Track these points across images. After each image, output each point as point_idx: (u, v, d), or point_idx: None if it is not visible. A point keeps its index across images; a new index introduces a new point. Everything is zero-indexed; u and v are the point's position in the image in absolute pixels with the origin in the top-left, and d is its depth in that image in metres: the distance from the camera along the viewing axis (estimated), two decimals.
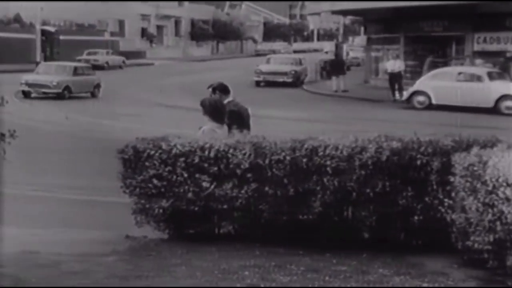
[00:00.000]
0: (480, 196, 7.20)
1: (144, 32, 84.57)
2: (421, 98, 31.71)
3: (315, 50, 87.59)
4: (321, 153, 8.34)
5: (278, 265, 7.65)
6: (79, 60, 52.82)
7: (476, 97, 29.92)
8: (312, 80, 48.58)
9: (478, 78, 30.97)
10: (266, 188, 8.50)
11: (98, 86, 37.79)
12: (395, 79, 36.18)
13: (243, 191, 8.55)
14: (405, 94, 32.83)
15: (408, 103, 32.02)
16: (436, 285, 7.17)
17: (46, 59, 57.57)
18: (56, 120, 27.21)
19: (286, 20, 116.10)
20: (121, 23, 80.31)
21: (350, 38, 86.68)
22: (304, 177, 8.41)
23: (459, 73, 31.80)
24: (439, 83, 31.32)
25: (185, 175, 8.71)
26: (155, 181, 8.80)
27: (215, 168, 8.64)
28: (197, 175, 8.69)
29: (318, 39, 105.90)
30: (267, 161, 8.48)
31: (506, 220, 6.88)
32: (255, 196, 8.56)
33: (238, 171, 8.56)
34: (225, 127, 9.69)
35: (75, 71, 37.61)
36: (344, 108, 33.43)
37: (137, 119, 25.52)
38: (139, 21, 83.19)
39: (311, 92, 42.66)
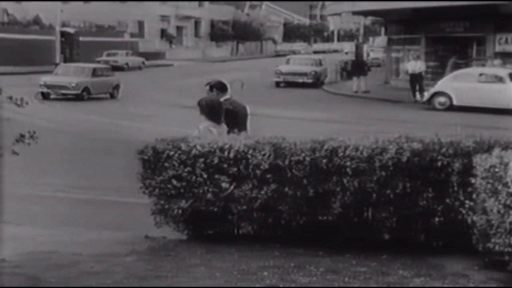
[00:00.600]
0: (501, 198, 7.15)
1: (163, 33, 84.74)
2: (442, 99, 31.56)
3: (335, 51, 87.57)
4: (341, 154, 8.31)
5: (298, 265, 7.62)
6: (99, 61, 52.97)
7: (497, 98, 29.73)
8: (332, 81, 48.50)
9: (500, 79, 30.79)
10: (286, 189, 8.48)
11: (117, 87, 37.79)
12: (416, 80, 36.04)
13: (262, 192, 8.53)
14: (426, 95, 32.70)
15: (429, 104, 31.89)
16: (457, 286, 7.12)
17: (65, 60, 57.78)
18: (74, 121, 27.30)
19: (306, 21, 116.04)
20: (140, 24, 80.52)
21: (371, 39, 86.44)
22: (324, 178, 8.38)
23: (481, 74, 31.64)
24: (460, 84, 31.16)
25: (205, 175, 8.70)
26: (174, 181, 8.80)
27: (235, 169, 8.63)
28: (216, 176, 8.68)
29: (338, 40, 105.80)
30: (286, 162, 8.46)
31: None
32: (274, 197, 8.54)
33: (258, 172, 8.54)
34: (224, 126, 9.74)
35: (94, 73, 37.66)
36: (364, 108, 33.34)
37: (155, 120, 25.56)
38: (158, 22, 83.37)
39: (331, 92, 42.59)
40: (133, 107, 31.77)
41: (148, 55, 68.76)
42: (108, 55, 60.64)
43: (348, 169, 8.26)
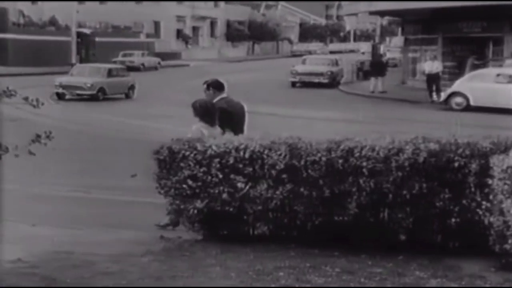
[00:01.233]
0: None
1: (179, 34, 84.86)
2: (459, 100, 31.43)
3: (352, 51, 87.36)
4: (357, 154, 8.28)
5: (313, 266, 7.61)
6: (115, 62, 53.04)
7: None
8: (348, 81, 48.41)
9: None
10: (301, 189, 8.46)
11: (132, 87, 37.78)
12: (432, 80, 35.89)
13: (278, 192, 8.51)
14: (443, 95, 32.56)
15: (445, 104, 31.76)
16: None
17: (81, 61, 57.96)
18: (89, 121, 27.36)
19: (323, 21, 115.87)
20: (156, 25, 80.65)
21: (387, 39, 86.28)
22: (340, 178, 8.35)
23: (498, 75, 31.45)
24: (477, 84, 31.01)
25: (220, 176, 8.70)
26: (190, 181, 8.80)
27: (250, 169, 8.62)
28: (232, 176, 8.67)
29: (355, 40, 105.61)
30: (302, 162, 8.43)
31: None
32: (290, 197, 8.52)
33: (273, 172, 8.52)
34: (217, 128, 9.80)
35: (110, 73, 37.70)
36: (381, 109, 33.25)
37: (171, 120, 25.56)
38: (174, 23, 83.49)
39: (348, 93, 42.50)
40: (149, 107, 31.81)
41: (164, 56, 68.86)
42: (124, 55, 60.74)
43: (364, 170, 8.23)
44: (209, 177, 8.73)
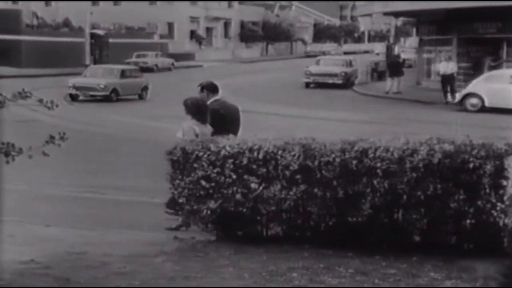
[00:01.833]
0: None
1: (193, 34, 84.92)
2: (474, 101, 31.28)
3: (366, 52, 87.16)
4: (371, 155, 8.25)
5: (327, 267, 7.58)
6: (128, 63, 53.10)
7: None
8: (362, 82, 48.28)
9: None
10: (315, 190, 8.44)
11: (145, 88, 37.78)
12: (447, 81, 35.75)
13: (291, 193, 8.49)
14: (458, 96, 32.42)
15: (460, 105, 31.63)
16: None
17: (95, 62, 58.10)
18: (102, 122, 27.41)
19: (337, 22, 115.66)
20: (170, 26, 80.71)
21: (402, 40, 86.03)
22: (354, 179, 8.32)
23: None
24: (492, 85, 30.87)
25: (234, 176, 8.69)
26: (203, 182, 8.79)
27: (264, 170, 8.60)
28: (245, 177, 8.66)
29: (369, 41, 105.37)
30: (316, 163, 8.41)
31: None
32: (303, 198, 8.50)
33: (287, 173, 8.50)
34: (208, 127, 9.90)
35: (123, 74, 37.73)
36: (395, 110, 33.15)
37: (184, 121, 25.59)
38: (188, 23, 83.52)
39: (362, 93, 42.41)
40: (162, 108, 31.83)
41: (177, 56, 68.88)
42: (138, 56, 60.78)
43: (378, 170, 8.20)
44: (223, 178, 8.72)
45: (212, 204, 8.76)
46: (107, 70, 38.99)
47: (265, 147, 8.62)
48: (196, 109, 10.22)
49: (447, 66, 36.43)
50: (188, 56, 76.05)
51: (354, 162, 8.29)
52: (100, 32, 66.36)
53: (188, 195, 8.93)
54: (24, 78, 42.61)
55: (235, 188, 8.68)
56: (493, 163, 8.06)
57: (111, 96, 35.84)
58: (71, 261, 8.06)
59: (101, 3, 75.97)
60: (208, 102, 10.66)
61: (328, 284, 7.04)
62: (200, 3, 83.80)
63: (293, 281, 7.13)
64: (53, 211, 11.89)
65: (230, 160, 8.68)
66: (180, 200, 9.07)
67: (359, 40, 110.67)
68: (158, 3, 79.62)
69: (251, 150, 8.65)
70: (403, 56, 58.49)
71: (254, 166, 8.63)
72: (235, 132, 10.48)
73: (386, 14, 52.34)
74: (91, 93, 35.94)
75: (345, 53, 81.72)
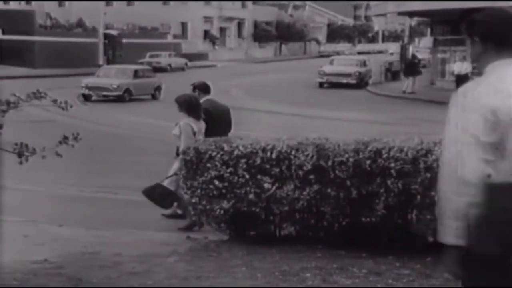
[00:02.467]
0: None
1: (206, 34, 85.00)
2: None
3: (380, 52, 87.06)
4: (385, 155, 8.20)
5: (340, 267, 7.55)
6: (142, 63, 53.19)
7: None
8: (376, 82, 48.22)
9: None
10: (329, 190, 8.40)
11: (158, 88, 37.80)
12: (462, 81, 35.44)
13: (305, 193, 8.46)
14: None
15: None
16: None
17: (109, 62, 58.29)
18: (115, 122, 27.46)
19: (351, 21, 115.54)
20: (183, 26, 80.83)
21: (416, 40, 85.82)
22: (368, 179, 8.28)
23: None
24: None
25: (247, 176, 8.67)
26: (216, 182, 8.78)
27: (277, 170, 8.57)
28: (258, 176, 8.63)
29: (383, 41, 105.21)
30: (330, 163, 8.37)
31: None
32: (317, 198, 8.46)
33: (300, 173, 8.47)
34: (202, 123, 10.05)
35: (136, 74, 37.79)
36: (409, 110, 33.09)
37: None
38: (201, 23, 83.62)
39: (376, 93, 42.34)
40: (175, 108, 31.86)
41: (191, 56, 68.97)
42: (151, 56, 60.87)
43: (392, 171, 8.16)
44: (236, 178, 8.70)
45: (225, 204, 8.75)
46: (120, 70, 39.08)
47: (279, 147, 8.60)
48: (188, 106, 10.45)
49: (461, 66, 36.34)
50: (201, 56, 76.16)
51: (368, 162, 8.25)
52: (114, 32, 66.56)
53: (201, 195, 8.92)
54: (38, 78, 42.73)
55: (248, 188, 8.66)
56: None
57: (124, 96, 35.91)
58: (84, 261, 8.07)
59: (114, 3, 76.23)
60: (200, 101, 10.94)
61: (342, 285, 7.01)
62: (213, 3, 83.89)
63: (306, 281, 7.11)
64: (65, 211, 11.91)
65: (243, 160, 8.66)
66: (193, 200, 9.07)
67: (373, 40, 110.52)
68: (172, 3, 79.78)
69: (264, 150, 8.63)
70: (418, 56, 58.36)
71: (267, 166, 8.61)
72: (225, 132, 10.76)
73: (401, 14, 52.19)
74: (104, 93, 36.02)
75: (359, 53, 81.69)
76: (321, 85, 45.62)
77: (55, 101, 6.86)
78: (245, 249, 8.52)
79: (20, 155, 6.61)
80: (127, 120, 28.26)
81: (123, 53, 64.02)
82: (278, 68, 65.12)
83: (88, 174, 15.42)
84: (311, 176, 8.45)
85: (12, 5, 65.65)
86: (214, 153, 8.80)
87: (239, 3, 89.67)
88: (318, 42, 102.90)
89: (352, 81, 45.33)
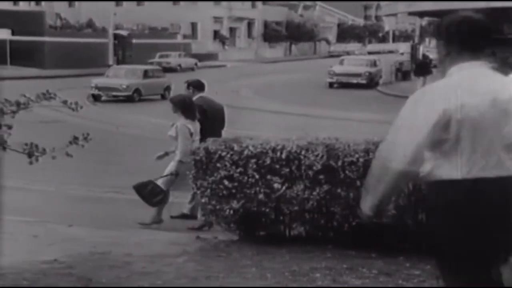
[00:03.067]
0: None
1: (216, 34, 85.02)
2: None
3: (390, 52, 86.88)
4: None
5: (350, 267, 7.52)
6: (152, 63, 53.25)
7: None
8: (387, 82, 48.14)
9: None
10: (338, 190, 8.38)
11: (168, 88, 37.76)
12: None
13: (314, 193, 8.44)
14: None
15: None
16: None
17: (118, 62, 58.41)
18: (125, 122, 27.49)
19: (361, 21, 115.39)
20: (193, 26, 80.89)
21: (427, 39, 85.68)
22: None
23: None
24: None
25: (257, 176, 8.65)
26: (226, 182, 8.76)
27: (287, 170, 8.55)
28: (268, 177, 8.62)
29: (394, 40, 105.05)
30: (339, 163, 8.35)
31: None
32: (327, 198, 8.44)
33: (310, 173, 8.45)
34: (197, 123, 10.12)
35: (145, 74, 37.84)
36: None
37: None
38: (211, 24, 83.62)
39: (386, 93, 42.27)
40: None
41: (200, 57, 69.03)
42: (161, 56, 60.92)
43: None
44: (246, 178, 8.69)
45: (234, 204, 8.74)
46: (129, 71, 39.16)
47: (288, 147, 8.59)
48: (183, 106, 10.52)
49: None
50: (211, 56, 76.22)
51: None
52: (123, 32, 66.69)
53: (210, 194, 8.91)
54: (47, 79, 42.84)
55: (258, 188, 8.65)
56: None
57: (134, 96, 35.97)
58: (93, 261, 8.07)
59: (124, 3, 76.35)
60: (193, 99, 11.06)
61: (351, 285, 6.98)
62: (223, 3, 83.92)
63: (316, 281, 7.09)
64: (75, 211, 11.93)
65: (253, 160, 8.65)
66: (203, 200, 9.06)
67: (384, 40, 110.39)
68: (182, 3, 79.84)
69: (274, 150, 8.62)
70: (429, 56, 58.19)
71: (277, 166, 8.59)
72: (219, 129, 10.85)
73: (411, 14, 52.05)
74: (114, 93, 36.09)
75: (369, 53, 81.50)
76: (331, 85, 45.59)
77: (65, 101, 6.85)
78: (254, 249, 8.50)
79: (30, 155, 6.61)
80: (136, 120, 28.28)
81: (133, 54, 64.14)
82: (288, 68, 65.09)
83: (98, 174, 15.45)
84: (321, 176, 8.43)
85: (22, 6, 65.92)
86: (224, 153, 8.78)
87: (249, 3, 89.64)
88: (328, 42, 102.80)
89: (362, 81, 45.29)
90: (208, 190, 8.91)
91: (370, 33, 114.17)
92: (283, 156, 8.55)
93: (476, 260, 3.93)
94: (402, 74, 50.16)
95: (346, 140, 8.65)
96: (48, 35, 59.60)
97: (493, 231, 3.89)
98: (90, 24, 65.34)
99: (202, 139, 10.54)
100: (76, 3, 74.44)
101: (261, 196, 8.62)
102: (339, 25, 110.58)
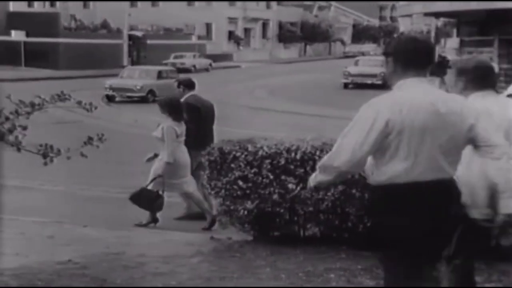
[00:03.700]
0: None
1: (231, 35, 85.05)
2: None
3: None
4: None
5: (364, 268, 7.50)
6: (166, 64, 53.30)
7: None
8: None
9: None
10: (353, 191, 8.35)
11: None
12: None
13: (329, 194, 8.41)
14: None
15: None
16: None
17: (133, 63, 58.51)
18: (139, 123, 27.52)
19: (376, 22, 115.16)
20: (208, 27, 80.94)
21: (442, 40, 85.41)
22: None
23: None
24: None
25: (271, 177, 8.63)
26: (240, 182, 8.75)
27: (301, 170, 8.53)
28: (282, 177, 8.60)
29: None
30: None
31: None
32: (341, 199, 8.42)
33: None
34: (183, 125, 10.18)
35: (160, 75, 37.83)
36: None
37: (222, 121, 25.62)
38: (226, 24, 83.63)
39: None
40: None
41: (215, 57, 69.02)
42: (176, 57, 60.96)
43: None
44: (260, 178, 8.67)
45: (249, 205, 8.72)
46: (144, 71, 39.20)
47: (303, 147, 8.56)
48: (170, 108, 10.59)
49: None
50: (226, 57, 76.21)
51: None
52: (138, 33, 66.80)
53: (225, 195, 8.90)
54: (62, 80, 42.97)
55: (272, 189, 8.63)
56: None
57: (148, 97, 35.99)
58: (108, 261, 8.07)
59: (139, 4, 76.52)
60: (184, 97, 11.42)
61: (366, 285, 6.96)
62: (238, 3, 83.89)
63: (330, 282, 7.07)
64: (90, 212, 11.94)
65: (268, 161, 8.63)
66: (217, 200, 9.06)
67: None
68: (196, 4, 79.90)
69: (288, 150, 8.60)
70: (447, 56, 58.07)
71: (292, 167, 8.57)
72: (210, 127, 10.93)
73: (426, 14, 51.88)
74: (128, 94, 36.15)
75: None
76: (346, 85, 45.52)
77: (79, 102, 6.85)
78: (269, 249, 8.49)
79: (44, 156, 6.61)
80: (150, 121, 28.29)
81: (147, 54, 64.22)
82: (302, 68, 65.02)
83: (112, 174, 15.46)
84: None
85: (37, 8, 66.13)
86: (238, 154, 8.77)
87: (264, 3, 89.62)
88: (343, 42, 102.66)
89: (378, 81, 45.12)
90: (223, 191, 8.90)
91: (385, 34, 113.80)
92: (298, 156, 8.53)
93: (415, 255, 4.40)
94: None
95: None
96: (63, 36, 59.74)
97: (432, 230, 4.32)
98: (104, 25, 65.46)
99: (197, 135, 10.92)
100: (91, 4, 74.56)
101: (275, 196, 8.60)
102: (354, 26, 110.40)
